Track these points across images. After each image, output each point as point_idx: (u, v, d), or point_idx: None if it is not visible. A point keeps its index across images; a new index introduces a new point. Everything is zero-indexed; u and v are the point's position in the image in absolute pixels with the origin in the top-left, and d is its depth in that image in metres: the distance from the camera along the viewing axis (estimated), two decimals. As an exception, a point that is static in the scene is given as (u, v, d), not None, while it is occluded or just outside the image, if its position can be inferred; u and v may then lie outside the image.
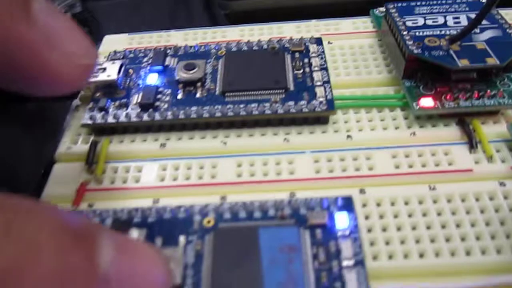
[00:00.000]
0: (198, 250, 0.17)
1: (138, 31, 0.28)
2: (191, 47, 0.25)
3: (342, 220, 0.17)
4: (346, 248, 0.16)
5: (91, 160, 0.21)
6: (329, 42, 0.26)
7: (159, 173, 0.20)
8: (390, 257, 0.17)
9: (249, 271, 0.15)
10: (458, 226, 0.18)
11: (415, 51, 0.21)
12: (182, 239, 0.17)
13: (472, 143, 0.20)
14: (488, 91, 0.21)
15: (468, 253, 0.17)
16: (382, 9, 0.27)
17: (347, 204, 0.17)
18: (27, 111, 0.25)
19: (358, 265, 0.16)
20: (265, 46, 0.24)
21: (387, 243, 0.17)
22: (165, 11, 0.38)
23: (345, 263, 0.16)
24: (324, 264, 0.16)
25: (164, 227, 0.17)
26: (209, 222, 0.17)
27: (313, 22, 0.27)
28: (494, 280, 0.16)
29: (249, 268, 0.15)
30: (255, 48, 0.24)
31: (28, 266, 0.11)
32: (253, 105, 0.21)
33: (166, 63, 0.24)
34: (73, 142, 0.22)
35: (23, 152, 0.23)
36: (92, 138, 0.22)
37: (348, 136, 0.21)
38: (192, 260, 0.16)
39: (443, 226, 0.18)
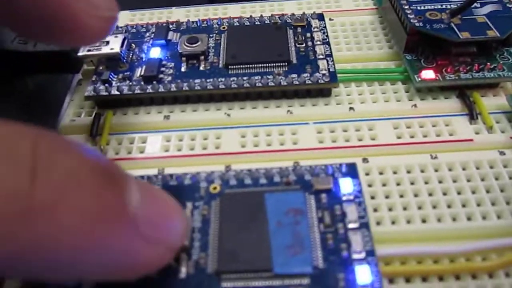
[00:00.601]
0: (205, 215, 0.17)
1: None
2: (193, 22, 0.25)
3: (346, 185, 0.17)
4: (351, 211, 0.16)
5: (95, 131, 0.21)
6: (330, 19, 0.26)
7: (163, 144, 0.21)
8: (393, 222, 0.17)
9: (256, 234, 0.16)
10: (459, 193, 0.18)
11: (417, 24, 0.21)
12: (189, 205, 0.17)
13: (472, 114, 0.20)
14: (488, 64, 0.21)
15: (469, 218, 0.17)
16: (382, -14, 0.27)
17: (351, 170, 0.18)
18: (28, 86, 0.25)
19: (363, 227, 0.16)
20: (267, 22, 0.25)
21: (390, 209, 0.18)
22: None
23: (351, 225, 0.16)
24: (330, 227, 0.16)
25: (170, 194, 0.17)
26: (215, 188, 0.18)
27: (314, -1, 0.28)
28: (494, 243, 0.16)
29: (256, 231, 0.16)
30: (257, 23, 0.25)
31: (68, 199, 0.11)
32: (256, 77, 0.21)
33: (169, 37, 0.24)
34: (76, 115, 0.22)
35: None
36: (95, 110, 0.22)
37: (351, 108, 0.21)
38: (199, 225, 0.16)
39: (444, 193, 0.18)
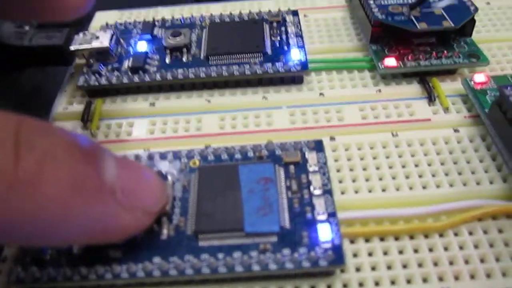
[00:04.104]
0: (185, 186, 0.18)
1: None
2: (177, 19, 0.27)
3: (313, 158, 0.19)
4: (316, 180, 0.18)
5: (86, 117, 0.23)
6: (305, 15, 0.28)
7: (149, 128, 0.22)
8: (356, 192, 0.19)
9: (230, 199, 0.17)
10: (416, 165, 0.20)
11: (380, 17, 0.23)
12: (170, 177, 0.19)
13: (430, 97, 0.22)
14: (445, 51, 0.23)
15: (424, 187, 0.19)
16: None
17: (318, 146, 0.20)
18: (23, 79, 0.27)
19: (326, 193, 0.18)
20: (245, 18, 0.27)
21: (353, 180, 0.20)
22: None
23: (315, 192, 0.18)
24: (296, 193, 0.18)
25: (154, 168, 0.19)
26: (194, 163, 0.19)
27: (291, -3, 0.30)
28: (446, 206, 0.18)
29: (230, 197, 0.17)
30: (237, 19, 0.27)
31: (47, 172, 0.13)
32: (234, 67, 0.23)
33: (154, 33, 0.26)
34: (69, 103, 0.24)
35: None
36: (86, 99, 0.24)
37: (321, 94, 0.23)
38: (179, 194, 0.18)
39: (403, 166, 0.20)
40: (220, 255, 0.16)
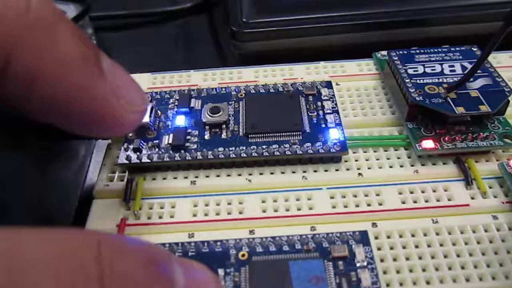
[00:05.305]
0: (236, 282, 0.19)
1: (151, 64, 0.31)
2: (212, 89, 0.28)
3: (360, 253, 0.19)
4: (365, 278, 0.19)
5: (128, 196, 0.23)
6: (337, 84, 0.28)
7: (191, 209, 0.23)
8: (401, 284, 0.20)
9: (284, 299, 0.18)
10: (458, 255, 0.20)
11: (417, 99, 0.24)
12: (220, 271, 0.19)
13: (468, 180, 0.23)
14: (481, 133, 0.24)
15: (467, 280, 0.20)
16: (384, 52, 0.29)
17: (363, 238, 0.20)
18: (52, 148, 0.28)
19: (375, 292, 0.18)
20: (280, 89, 0.27)
21: (397, 271, 0.20)
22: (171, 43, 0.40)
23: (365, 291, 0.18)
24: (347, 292, 0.18)
25: (203, 261, 0.20)
26: (243, 255, 0.20)
27: (322, 63, 0.30)
28: (490, 303, 0.19)
29: (284, 297, 0.18)
30: (272, 90, 0.27)
31: None
32: (274, 146, 0.24)
33: (191, 105, 0.27)
34: (109, 180, 0.24)
35: (55, 188, 0.25)
36: (126, 175, 0.24)
37: (359, 174, 0.24)
38: (231, 289, 0.19)
39: (445, 256, 0.20)
40: None
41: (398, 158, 0.24)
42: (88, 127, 0.18)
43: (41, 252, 0.13)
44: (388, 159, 0.24)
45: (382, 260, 0.20)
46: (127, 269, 0.14)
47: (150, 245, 0.15)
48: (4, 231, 0.13)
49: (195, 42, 0.39)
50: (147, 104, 0.19)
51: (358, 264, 0.19)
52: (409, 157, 0.24)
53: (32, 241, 0.13)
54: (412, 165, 0.24)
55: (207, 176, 0.24)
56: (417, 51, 0.27)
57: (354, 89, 0.28)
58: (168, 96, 0.27)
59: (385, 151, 0.25)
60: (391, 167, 0.24)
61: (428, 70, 0.25)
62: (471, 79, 0.24)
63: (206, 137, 0.25)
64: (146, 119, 0.25)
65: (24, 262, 0.12)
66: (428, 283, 0.20)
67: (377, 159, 0.24)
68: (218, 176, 0.24)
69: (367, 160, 0.24)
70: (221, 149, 0.24)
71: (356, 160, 0.24)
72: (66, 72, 0.16)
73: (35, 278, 0.12)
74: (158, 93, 0.28)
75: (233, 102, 0.27)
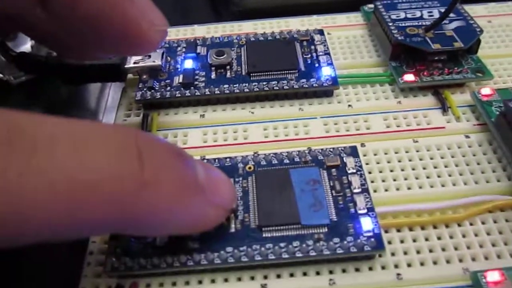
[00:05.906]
0: (244, 187, 0.22)
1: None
2: (216, 37, 0.30)
3: (350, 162, 0.23)
4: (355, 180, 0.22)
5: (145, 128, 0.26)
6: (328, 33, 0.31)
7: (202, 137, 0.26)
8: (386, 190, 0.23)
9: (285, 198, 0.21)
10: (435, 167, 0.24)
11: (399, 38, 0.27)
12: (231, 180, 0.22)
13: (444, 107, 0.26)
14: (456, 68, 0.27)
15: (443, 185, 0.23)
16: (371, 5, 0.32)
17: (353, 151, 0.23)
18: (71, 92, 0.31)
19: (364, 191, 0.21)
20: (277, 37, 0.30)
21: (383, 180, 0.23)
22: (169, 2, 0.42)
23: (355, 190, 0.21)
24: (340, 192, 0.21)
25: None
26: (250, 168, 0.23)
27: (314, 17, 0.33)
28: (461, 201, 0.22)
29: (286, 196, 0.21)
30: (270, 38, 0.30)
31: (163, 175, 0.16)
32: (273, 82, 0.27)
33: (198, 51, 0.29)
34: (126, 116, 0.27)
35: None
36: (142, 111, 0.27)
37: (349, 105, 0.27)
38: (240, 194, 0.22)
39: (424, 168, 0.24)
40: (282, 244, 0.20)
41: (383, 92, 0.28)
42: (119, 45, 0.21)
43: (93, 132, 0.16)
44: (374, 93, 0.27)
45: (370, 172, 0.23)
46: (161, 155, 0.17)
47: (176, 145, 0.18)
48: (61, 122, 0.15)
49: (193, 0, 0.42)
50: (167, 26, 0.22)
51: (349, 171, 0.22)
52: (393, 92, 0.28)
53: (85, 124, 0.16)
54: (395, 98, 0.27)
55: (214, 111, 0.27)
56: (400, 0, 0.30)
57: (344, 37, 0.31)
58: (176, 45, 0.30)
59: (372, 87, 0.28)
60: (377, 99, 0.27)
61: (409, 15, 0.29)
62: (447, 22, 0.28)
63: (213, 76, 0.28)
64: (159, 61, 0.28)
65: (83, 141, 0.15)
66: (409, 188, 0.23)
67: (365, 94, 0.27)
68: (224, 110, 0.27)
69: (356, 94, 0.27)
70: (226, 86, 0.27)
71: (346, 95, 0.27)
72: None
73: (93, 151, 0.15)
74: (167, 42, 0.30)
75: (235, 48, 0.29)
